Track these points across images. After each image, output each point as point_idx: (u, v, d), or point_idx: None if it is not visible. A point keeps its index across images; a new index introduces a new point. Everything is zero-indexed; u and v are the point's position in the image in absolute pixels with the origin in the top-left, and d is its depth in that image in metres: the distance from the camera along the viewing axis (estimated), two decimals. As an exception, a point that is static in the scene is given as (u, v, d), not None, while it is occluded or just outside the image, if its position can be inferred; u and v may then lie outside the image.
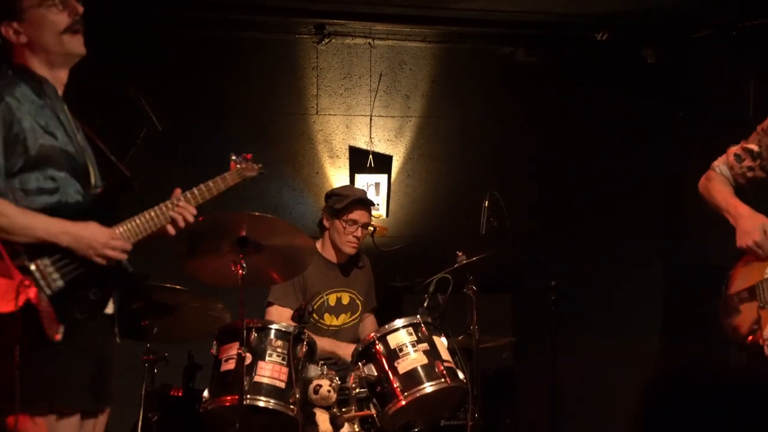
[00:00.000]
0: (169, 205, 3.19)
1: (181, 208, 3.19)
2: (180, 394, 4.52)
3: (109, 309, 3.11)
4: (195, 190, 3.28)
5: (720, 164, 3.56)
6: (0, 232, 2.83)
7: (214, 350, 4.23)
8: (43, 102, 2.97)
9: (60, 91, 3.07)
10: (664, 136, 6.25)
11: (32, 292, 2.82)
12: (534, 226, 6.04)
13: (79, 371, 2.97)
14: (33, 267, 2.85)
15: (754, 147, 3.45)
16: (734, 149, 3.51)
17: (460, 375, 4.28)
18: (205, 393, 4.15)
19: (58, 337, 2.84)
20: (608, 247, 6.28)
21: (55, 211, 2.92)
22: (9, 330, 2.80)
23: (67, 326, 2.86)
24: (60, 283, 2.88)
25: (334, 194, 4.94)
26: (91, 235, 2.93)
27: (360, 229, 4.81)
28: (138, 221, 3.10)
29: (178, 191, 3.24)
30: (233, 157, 3.55)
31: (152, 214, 3.15)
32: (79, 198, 3.00)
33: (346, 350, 4.64)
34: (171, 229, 3.20)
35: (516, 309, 6.05)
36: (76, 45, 3.03)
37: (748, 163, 3.44)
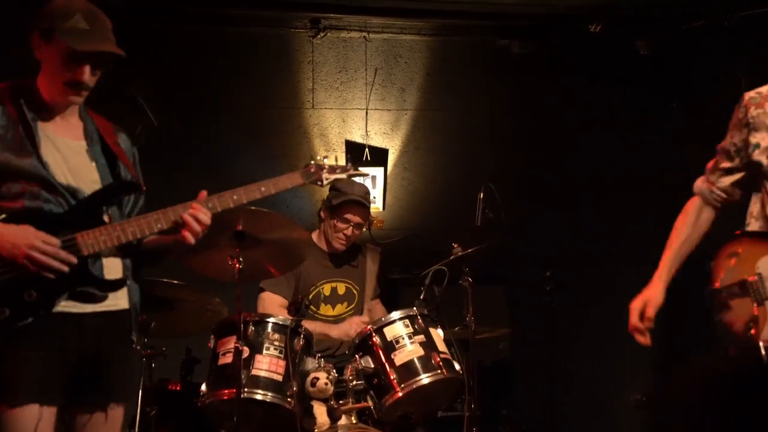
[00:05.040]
0: (178, 209, 3.17)
1: (194, 210, 3.14)
2: (178, 388, 4.53)
3: (120, 304, 3.14)
4: (233, 193, 3.24)
5: (698, 183, 3.48)
6: None
7: (211, 344, 4.24)
8: (18, 118, 3.01)
9: (67, 108, 3.11)
10: (659, 127, 6.25)
11: None
12: (529, 217, 6.04)
13: (31, 368, 2.96)
14: None
15: (726, 146, 3.35)
16: (712, 160, 3.43)
17: (457, 366, 4.29)
18: (203, 387, 4.16)
19: None
20: (604, 238, 6.29)
21: (20, 214, 2.95)
22: None
23: (7, 325, 2.88)
24: None
25: (335, 188, 4.91)
26: (13, 238, 2.91)
27: (352, 228, 4.82)
28: (122, 229, 3.10)
29: (203, 193, 3.19)
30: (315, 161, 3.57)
31: (152, 217, 3.15)
32: (46, 206, 3.01)
33: (337, 331, 4.67)
34: (189, 237, 3.14)
35: (511, 300, 6.07)
36: (69, 98, 3.07)
37: (725, 164, 3.35)
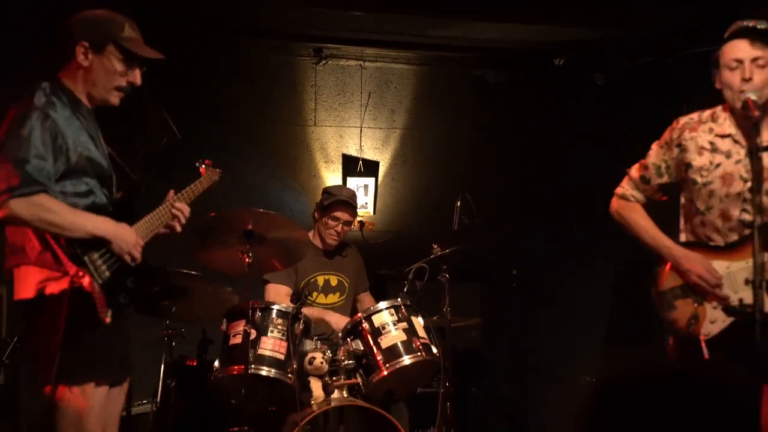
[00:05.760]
0: (168, 206, 3.18)
1: (178, 208, 3.19)
2: (195, 364, 4.53)
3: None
4: (183, 193, 3.28)
5: (629, 190, 3.43)
6: (53, 227, 2.81)
7: (223, 327, 4.23)
8: (78, 119, 2.95)
9: (88, 113, 3.06)
10: (614, 147, 6.25)
11: (86, 281, 2.81)
12: (499, 223, 6.04)
13: (115, 349, 2.98)
14: (86, 259, 2.84)
15: (657, 163, 3.34)
16: (635, 173, 3.40)
17: (434, 350, 4.28)
18: (216, 363, 4.15)
19: (108, 320, 2.84)
20: (565, 241, 6.30)
21: (91, 210, 2.91)
22: (55, 310, 2.80)
23: (113, 311, 2.86)
24: (107, 273, 2.88)
25: (326, 192, 4.98)
26: (124, 236, 2.93)
27: (341, 225, 4.83)
28: (149, 222, 3.10)
29: (171, 193, 3.24)
30: (205, 164, 3.55)
31: (158, 214, 3.15)
32: (105, 202, 2.99)
33: (332, 317, 4.67)
34: (178, 226, 3.20)
35: (483, 294, 6.07)
36: (114, 100, 3.04)
37: (657, 181, 3.34)
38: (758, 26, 3.08)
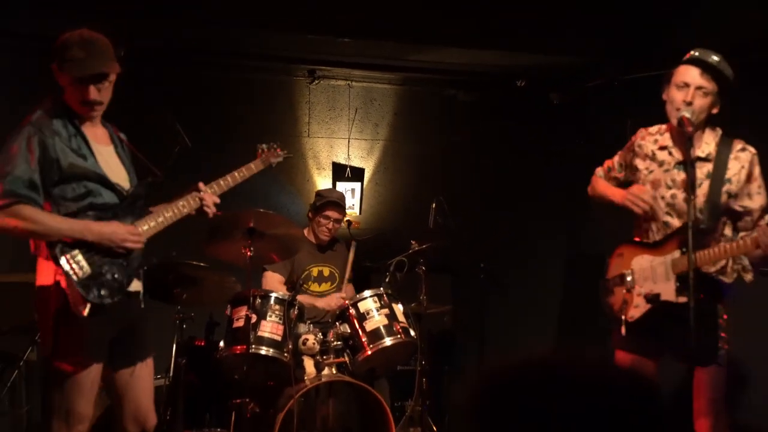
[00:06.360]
0: (194, 195, 3.17)
1: (202, 197, 3.16)
2: (203, 344, 4.54)
3: (137, 287, 3.07)
4: (221, 181, 3.25)
5: (599, 171, 3.57)
6: (37, 235, 2.83)
7: (228, 311, 4.24)
8: (74, 131, 2.91)
9: (93, 120, 2.99)
10: (567, 157, 6.29)
11: (62, 280, 2.81)
12: (469, 222, 6.07)
13: (104, 333, 2.93)
14: (63, 260, 2.81)
15: (619, 161, 3.47)
16: (606, 163, 3.54)
17: (412, 333, 4.31)
18: (221, 343, 4.16)
19: (85, 312, 2.81)
20: (524, 239, 6.32)
21: (87, 209, 2.89)
22: (47, 300, 2.85)
23: (92, 304, 2.82)
24: (88, 270, 2.83)
25: (318, 194, 5.01)
26: (110, 232, 2.88)
27: (332, 223, 4.85)
28: (163, 211, 3.08)
29: (200, 184, 3.21)
30: (262, 146, 3.53)
31: (177, 204, 3.13)
32: (108, 200, 2.95)
33: (322, 302, 4.69)
34: (209, 212, 3.17)
35: (454, 284, 6.09)
36: (85, 113, 2.94)
37: (615, 174, 3.47)
38: (712, 59, 3.12)
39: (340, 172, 6.30)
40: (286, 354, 4.03)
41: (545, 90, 6.28)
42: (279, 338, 4.07)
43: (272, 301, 4.16)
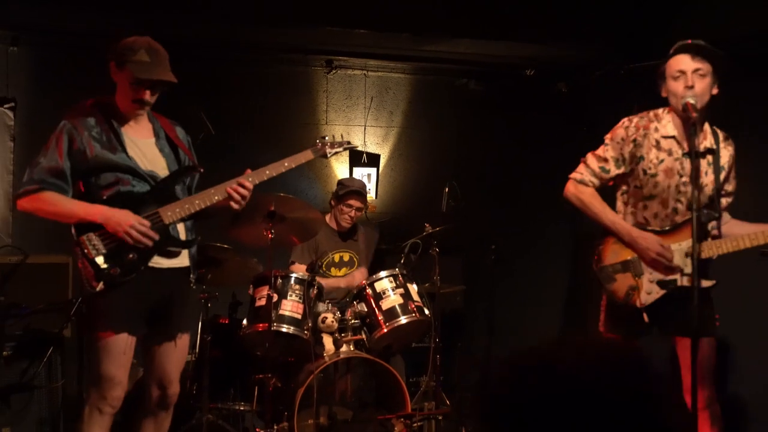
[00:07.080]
0: (227, 185, 3.17)
1: (234, 188, 3.15)
2: (227, 321, 4.56)
3: (184, 262, 3.15)
4: (256, 172, 3.24)
5: (587, 176, 3.30)
6: (52, 215, 2.98)
7: (250, 291, 4.27)
8: (108, 127, 3.02)
9: (138, 116, 3.10)
10: (573, 144, 6.24)
11: (82, 258, 2.97)
12: (480, 206, 6.06)
13: (130, 306, 3.01)
14: (82, 239, 2.97)
15: (615, 156, 3.26)
16: (593, 162, 3.30)
17: (426, 312, 4.33)
18: (244, 321, 4.20)
19: (98, 288, 2.93)
20: (533, 222, 6.30)
21: (116, 196, 2.99)
22: (79, 278, 3.02)
23: (106, 281, 2.93)
24: (103, 250, 2.95)
25: (340, 183, 4.99)
26: (118, 218, 2.95)
27: (354, 211, 4.86)
28: (194, 201, 3.11)
29: (248, 171, 3.23)
30: (320, 140, 3.44)
31: (211, 192, 3.16)
32: (140, 189, 3.03)
33: (345, 282, 4.74)
34: (234, 204, 3.17)
35: (466, 265, 6.09)
36: (134, 110, 3.07)
37: (614, 172, 3.27)
38: (697, 41, 3.11)
39: (356, 158, 6.30)
40: (306, 331, 4.06)
41: (553, 79, 6.24)
42: (299, 316, 4.10)
43: (293, 281, 4.19)
